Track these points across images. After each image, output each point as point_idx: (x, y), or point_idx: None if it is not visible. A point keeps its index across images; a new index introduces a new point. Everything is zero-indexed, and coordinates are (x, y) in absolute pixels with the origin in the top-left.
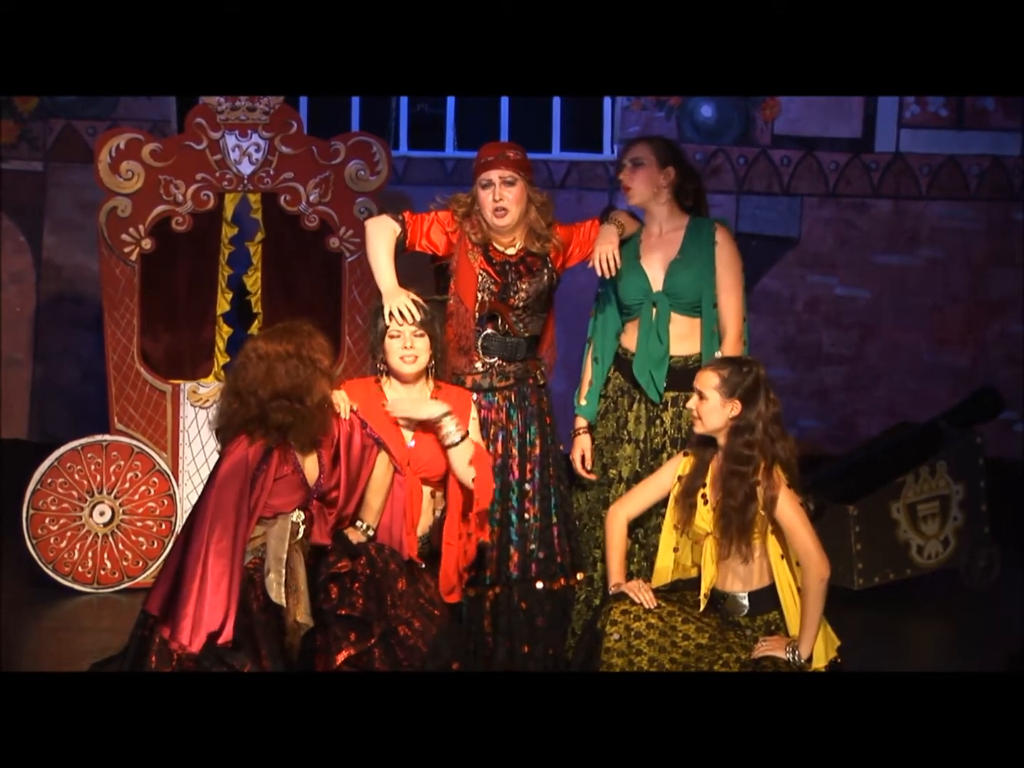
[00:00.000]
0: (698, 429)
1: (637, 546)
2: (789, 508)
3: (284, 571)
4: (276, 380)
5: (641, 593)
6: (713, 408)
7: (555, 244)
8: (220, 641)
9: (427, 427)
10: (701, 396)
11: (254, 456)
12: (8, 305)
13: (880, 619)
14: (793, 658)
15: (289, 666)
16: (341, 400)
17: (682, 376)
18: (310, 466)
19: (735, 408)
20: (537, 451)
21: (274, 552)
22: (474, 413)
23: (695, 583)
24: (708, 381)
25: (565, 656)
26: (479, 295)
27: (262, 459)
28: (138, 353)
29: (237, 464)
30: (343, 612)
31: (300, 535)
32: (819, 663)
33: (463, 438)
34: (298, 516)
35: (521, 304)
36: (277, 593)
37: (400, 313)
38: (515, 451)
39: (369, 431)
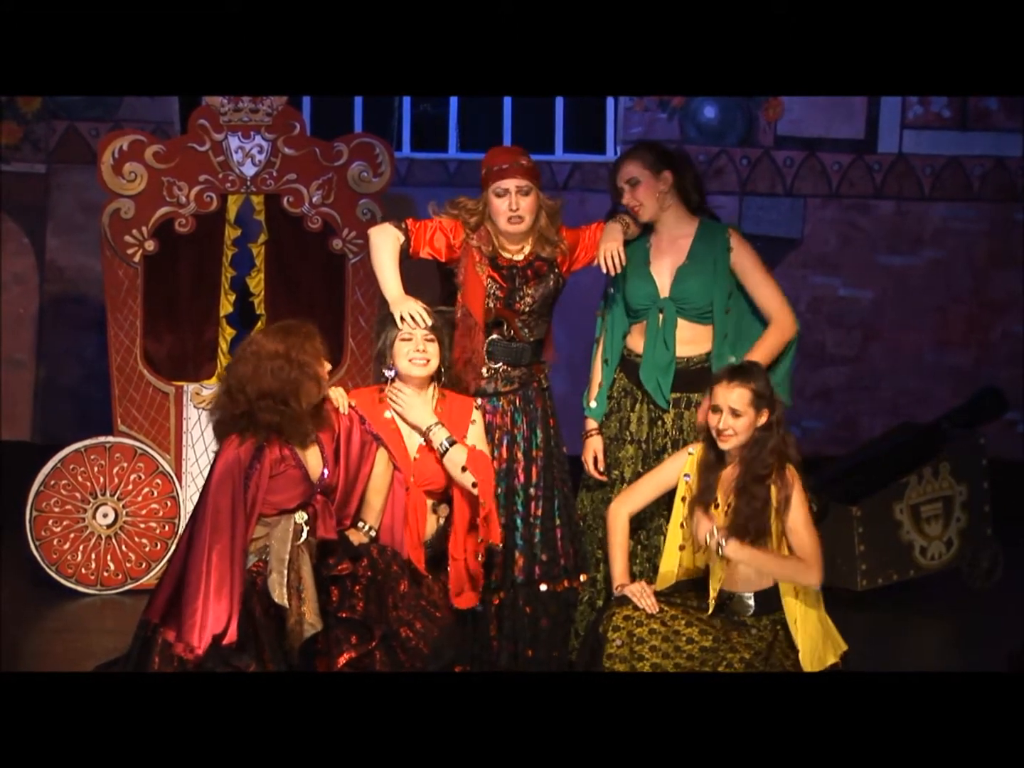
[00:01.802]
0: (728, 445)
1: (640, 547)
2: (800, 508)
3: (287, 572)
4: (261, 379)
5: (644, 598)
6: (749, 425)
7: (562, 249)
8: (224, 642)
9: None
10: (736, 414)
11: (245, 455)
12: (11, 306)
13: (883, 620)
14: (716, 543)
15: (291, 668)
16: (339, 396)
17: (684, 378)
18: (313, 461)
19: (763, 418)
20: (542, 454)
21: (276, 553)
22: (477, 418)
23: (698, 584)
24: (742, 398)
25: (569, 658)
26: (486, 302)
27: (253, 457)
28: (141, 355)
29: (230, 464)
30: (344, 615)
31: (304, 536)
32: (819, 664)
33: (452, 443)
34: (301, 517)
35: (527, 309)
36: (279, 594)
37: (412, 318)
38: (520, 455)
39: (368, 427)
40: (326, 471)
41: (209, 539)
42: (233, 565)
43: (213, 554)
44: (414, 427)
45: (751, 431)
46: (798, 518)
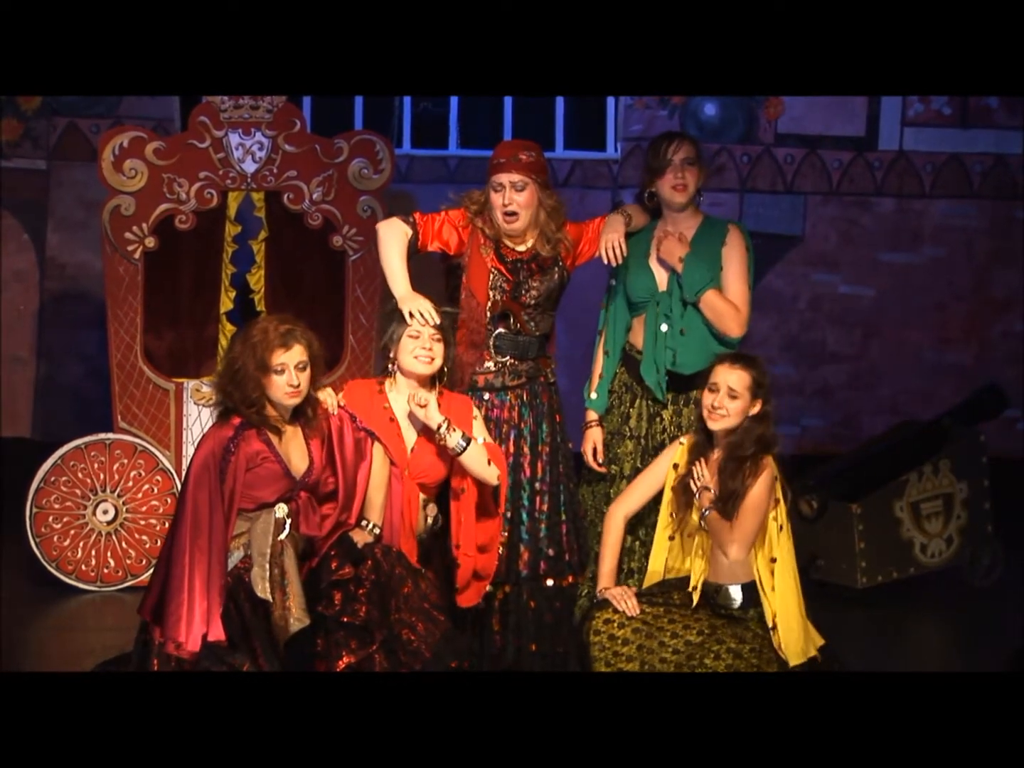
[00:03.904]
0: (717, 426)
1: (638, 543)
2: (756, 496)
3: (268, 566)
4: (222, 377)
5: (624, 601)
6: (743, 408)
7: (566, 245)
8: (211, 639)
9: (429, 433)
10: (733, 395)
11: (219, 447)
12: (12, 303)
13: (883, 618)
14: (702, 505)
15: (283, 665)
16: (328, 396)
17: (681, 375)
18: (296, 458)
19: (756, 406)
20: (548, 449)
21: (258, 548)
22: (477, 415)
23: (684, 582)
24: (742, 381)
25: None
26: (491, 293)
27: (227, 449)
28: (141, 351)
29: (205, 459)
30: (345, 619)
31: (286, 530)
32: (797, 659)
33: (469, 443)
34: (281, 510)
35: (533, 302)
36: (262, 588)
37: (421, 315)
38: (527, 449)
39: (360, 423)
40: (312, 470)
41: (189, 535)
42: (213, 560)
43: (195, 550)
44: (425, 425)
45: (742, 417)
46: (750, 504)
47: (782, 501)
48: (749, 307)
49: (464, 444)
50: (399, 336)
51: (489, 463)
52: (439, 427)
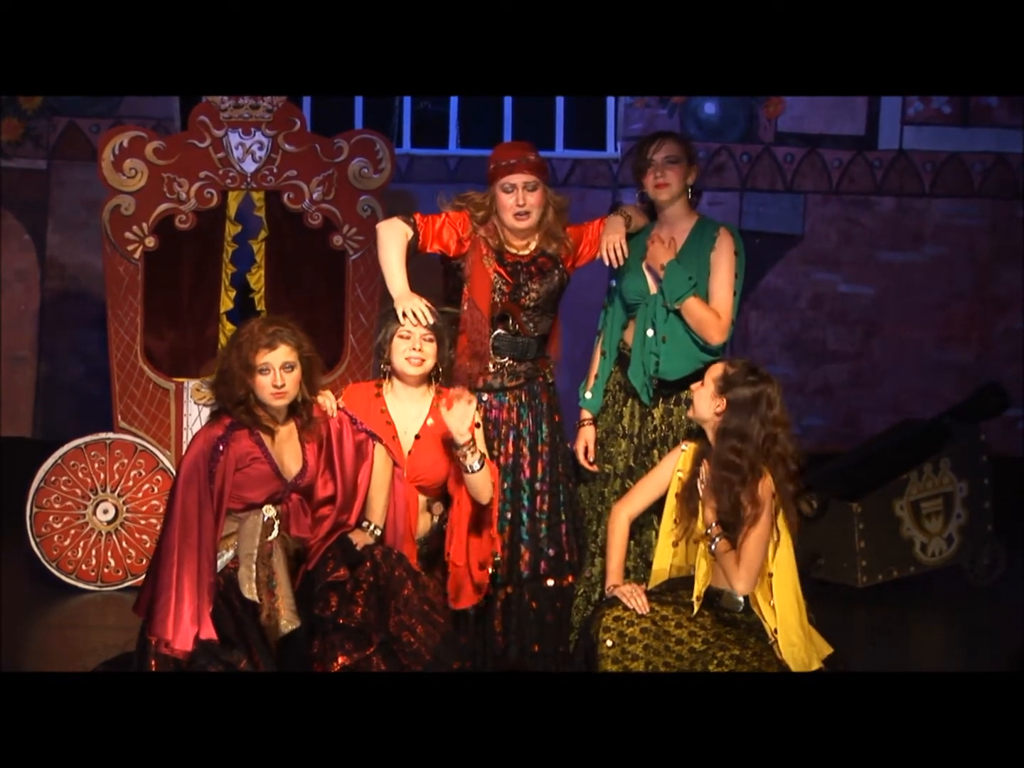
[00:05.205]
0: (689, 413)
1: (632, 542)
2: (762, 527)
3: (255, 567)
4: (216, 379)
5: (634, 599)
6: (704, 396)
7: (567, 245)
8: (203, 637)
9: (428, 435)
10: (703, 382)
11: (208, 445)
12: (12, 303)
13: (883, 617)
14: (711, 539)
15: (278, 664)
16: (327, 400)
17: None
18: (289, 459)
19: (720, 405)
20: (547, 449)
21: (245, 548)
22: (479, 421)
23: (691, 581)
24: (714, 371)
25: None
26: (492, 296)
27: (215, 448)
28: (142, 351)
29: (196, 458)
30: (341, 621)
31: (275, 531)
32: (801, 667)
33: (483, 467)
34: (269, 511)
35: (532, 304)
36: (249, 589)
37: (413, 315)
38: (526, 450)
39: (360, 426)
40: (305, 472)
41: (178, 534)
42: (203, 560)
43: (184, 549)
44: (448, 439)
45: (708, 412)
46: (753, 535)
47: (780, 515)
48: (733, 314)
49: (478, 468)
50: (391, 336)
51: (493, 486)
52: (465, 444)
